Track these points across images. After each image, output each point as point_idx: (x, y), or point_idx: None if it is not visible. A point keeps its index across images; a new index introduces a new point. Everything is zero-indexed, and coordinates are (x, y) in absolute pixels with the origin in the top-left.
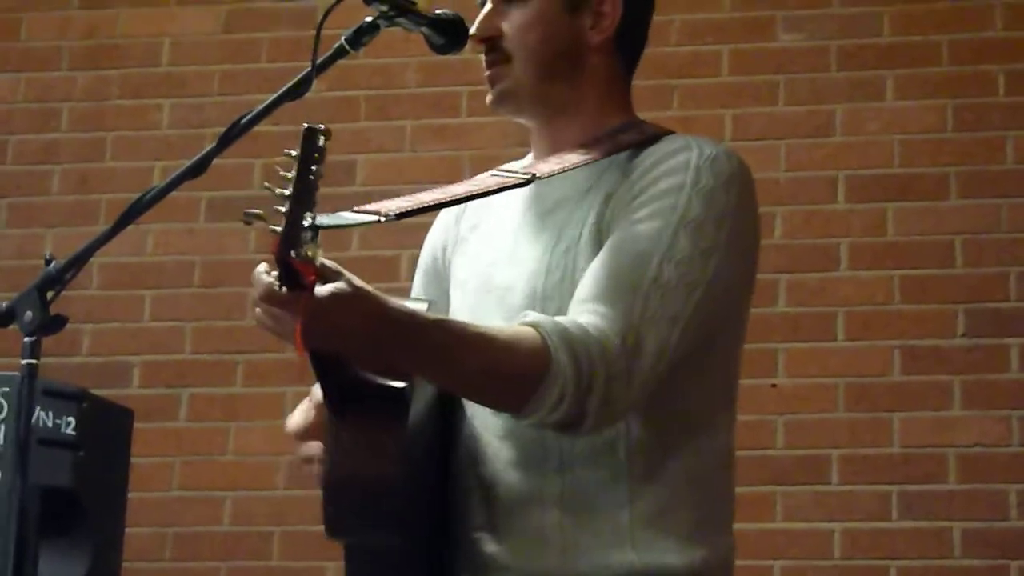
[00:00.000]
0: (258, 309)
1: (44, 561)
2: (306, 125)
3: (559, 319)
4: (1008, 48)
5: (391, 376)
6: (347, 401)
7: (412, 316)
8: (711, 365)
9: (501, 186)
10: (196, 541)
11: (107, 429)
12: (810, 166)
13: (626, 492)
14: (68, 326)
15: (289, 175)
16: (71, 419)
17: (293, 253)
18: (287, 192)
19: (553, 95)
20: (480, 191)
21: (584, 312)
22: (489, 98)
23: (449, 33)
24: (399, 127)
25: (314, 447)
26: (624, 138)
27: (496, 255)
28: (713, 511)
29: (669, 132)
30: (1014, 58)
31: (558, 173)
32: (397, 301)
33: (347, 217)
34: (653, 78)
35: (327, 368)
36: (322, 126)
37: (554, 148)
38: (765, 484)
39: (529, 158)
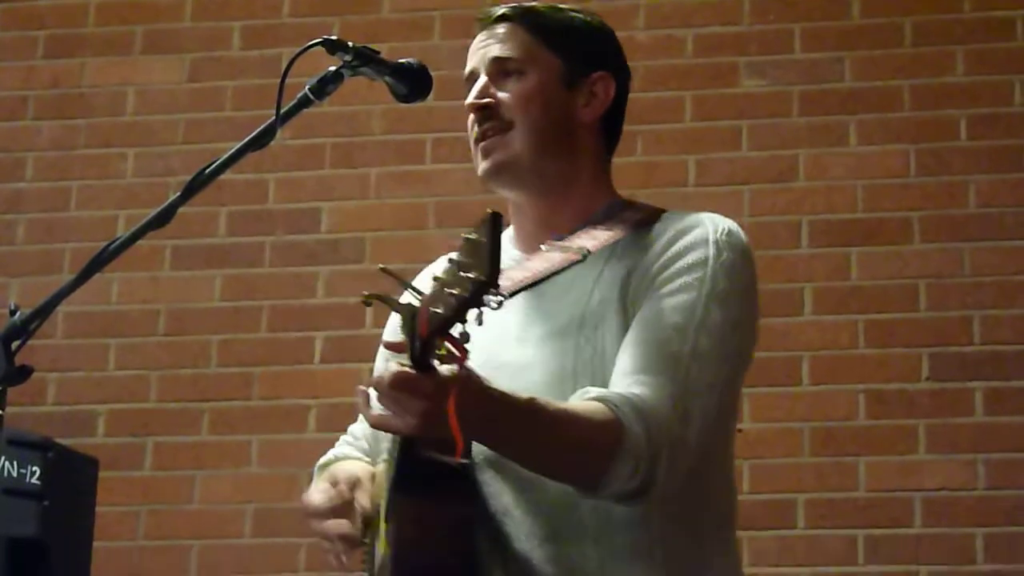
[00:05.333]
0: (373, 394)
1: None
2: (491, 211)
3: (621, 391)
4: (969, 92)
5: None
6: (415, 480)
7: (508, 395)
8: (725, 435)
9: (570, 262)
10: None
11: (72, 478)
12: (773, 211)
13: (650, 563)
14: (33, 375)
15: (460, 257)
16: (36, 468)
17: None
18: (472, 274)
19: (551, 169)
20: (557, 268)
21: (634, 384)
22: (485, 167)
23: (413, 82)
24: (364, 174)
25: (343, 525)
26: (629, 215)
27: (499, 334)
28: None
29: (663, 210)
30: (975, 102)
31: (604, 246)
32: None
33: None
34: None
35: (411, 446)
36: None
37: (547, 224)
38: None
39: (509, 235)
